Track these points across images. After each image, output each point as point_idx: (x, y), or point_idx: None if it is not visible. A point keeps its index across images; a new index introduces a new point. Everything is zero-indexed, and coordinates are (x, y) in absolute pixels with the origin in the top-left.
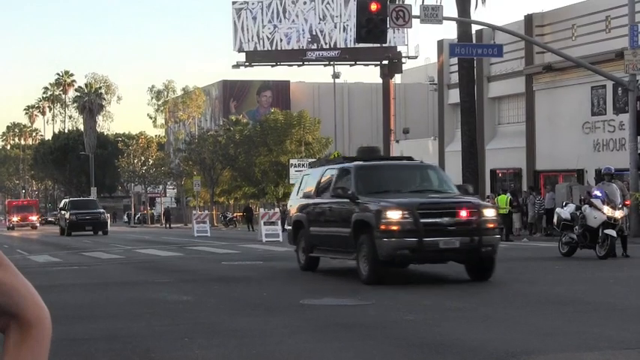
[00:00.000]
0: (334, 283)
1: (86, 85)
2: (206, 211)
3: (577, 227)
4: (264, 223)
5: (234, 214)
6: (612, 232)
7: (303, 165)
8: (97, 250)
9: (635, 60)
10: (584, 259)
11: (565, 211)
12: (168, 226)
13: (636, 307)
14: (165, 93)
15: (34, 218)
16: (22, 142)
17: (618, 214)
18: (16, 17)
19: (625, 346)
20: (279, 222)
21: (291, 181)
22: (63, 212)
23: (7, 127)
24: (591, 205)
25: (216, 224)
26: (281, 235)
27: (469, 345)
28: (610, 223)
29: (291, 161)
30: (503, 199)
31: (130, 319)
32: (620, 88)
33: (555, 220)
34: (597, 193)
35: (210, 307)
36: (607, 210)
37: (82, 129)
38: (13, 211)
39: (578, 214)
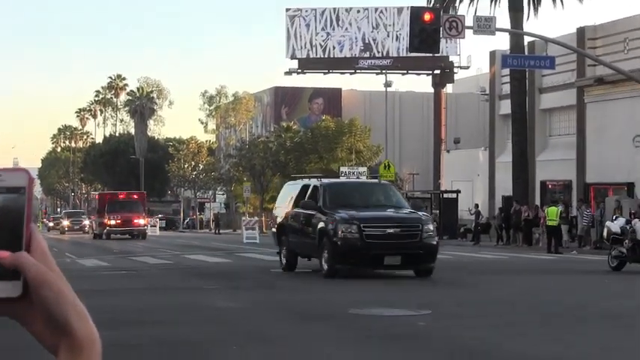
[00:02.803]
0: (381, 292)
1: (138, 89)
2: (255, 218)
3: (627, 241)
4: None
5: None
6: None
7: (353, 173)
8: (145, 254)
9: None
10: (634, 273)
11: (615, 225)
12: (217, 231)
13: None
14: (218, 98)
15: (141, 222)
16: (73, 145)
17: None
18: (70, 20)
19: None
20: None
21: None
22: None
23: (59, 129)
24: None
25: (265, 231)
26: None
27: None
28: None
29: (342, 169)
30: (554, 211)
31: (178, 325)
32: None
33: (605, 233)
34: None
35: (259, 315)
36: None
37: (133, 133)
38: (109, 209)
39: (628, 227)
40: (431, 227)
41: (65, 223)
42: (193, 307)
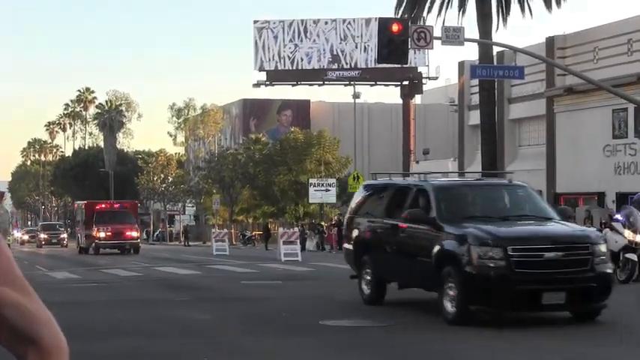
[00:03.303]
0: (353, 304)
1: (107, 102)
2: (225, 230)
3: None
4: (283, 243)
5: (253, 233)
6: (633, 257)
7: (322, 184)
8: (115, 267)
9: None
10: None
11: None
12: (186, 243)
13: None
14: (186, 111)
15: (134, 234)
16: (43, 158)
17: (639, 238)
18: (38, 34)
19: None
20: (298, 241)
21: (311, 201)
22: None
23: (28, 142)
24: (612, 228)
25: (235, 243)
26: (300, 254)
27: None
28: (631, 247)
29: (311, 180)
30: None
31: (150, 338)
32: None
33: None
34: (618, 217)
35: (230, 327)
36: (628, 234)
37: (102, 146)
38: (98, 220)
39: None
40: (603, 249)
41: (42, 236)
42: (165, 319)
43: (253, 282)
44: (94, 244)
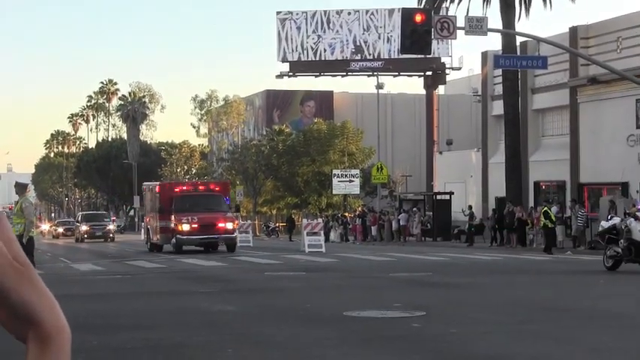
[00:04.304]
0: (377, 294)
1: (130, 93)
2: (249, 221)
3: (622, 241)
4: (307, 234)
5: (277, 224)
6: None
7: (345, 175)
8: (140, 259)
9: None
10: (629, 273)
11: (610, 225)
12: None
13: None
14: (209, 102)
15: (228, 226)
16: (66, 150)
17: None
18: (63, 26)
19: None
20: (322, 232)
21: (334, 192)
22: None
23: (51, 134)
24: (637, 218)
25: (258, 234)
26: (324, 245)
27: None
28: None
29: (334, 171)
30: (550, 212)
31: (174, 329)
32: None
33: (599, 232)
34: None
35: (254, 318)
36: None
37: (126, 137)
38: (178, 207)
39: (623, 227)
40: None
41: (83, 228)
42: (189, 310)
43: (277, 273)
44: (174, 240)
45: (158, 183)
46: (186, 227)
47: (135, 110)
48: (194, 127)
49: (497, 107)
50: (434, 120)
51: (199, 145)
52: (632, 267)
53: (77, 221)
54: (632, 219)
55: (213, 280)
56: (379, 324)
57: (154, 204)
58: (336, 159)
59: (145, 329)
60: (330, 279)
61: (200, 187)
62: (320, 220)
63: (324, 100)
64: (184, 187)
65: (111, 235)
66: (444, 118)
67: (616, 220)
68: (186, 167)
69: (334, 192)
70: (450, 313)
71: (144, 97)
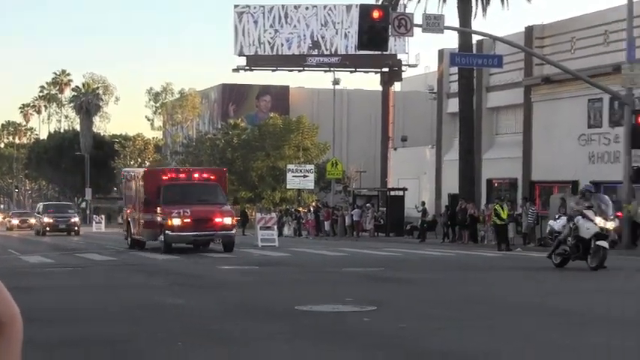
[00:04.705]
0: (329, 288)
1: (83, 84)
2: None
3: (570, 238)
4: (260, 228)
5: None
6: (604, 244)
7: (300, 170)
8: (90, 251)
9: (633, 74)
10: (576, 270)
11: (558, 223)
12: None
13: (628, 319)
14: (164, 95)
15: (226, 221)
16: (17, 141)
17: (610, 224)
18: (14, 15)
19: (619, 358)
20: (276, 227)
21: (288, 186)
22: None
23: (2, 125)
24: (584, 216)
25: None
26: (277, 240)
27: (465, 355)
28: (602, 234)
29: (289, 166)
30: (503, 209)
31: (124, 323)
32: (616, 102)
33: (548, 230)
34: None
35: (206, 312)
36: (599, 220)
37: (78, 129)
38: (167, 198)
39: (571, 225)
40: None
41: (46, 220)
42: (139, 304)
43: (230, 267)
44: (162, 236)
45: (143, 169)
46: (177, 222)
47: (88, 102)
48: (148, 119)
49: (453, 105)
50: (389, 116)
51: (153, 138)
52: (579, 264)
53: (38, 212)
54: (580, 217)
55: (165, 274)
56: (331, 318)
57: (137, 193)
58: (291, 154)
59: (93, 322)
60: (282, 273)
61: (194, 175)
62: (273, 214)
63: (280, 94)
64: (175, 175)
65: (76, 228)
66: (399, 114)
67: (564, 218)
68: (139, 160)
69: (288, 187)
70: (403, 308)
71: (98, 88)
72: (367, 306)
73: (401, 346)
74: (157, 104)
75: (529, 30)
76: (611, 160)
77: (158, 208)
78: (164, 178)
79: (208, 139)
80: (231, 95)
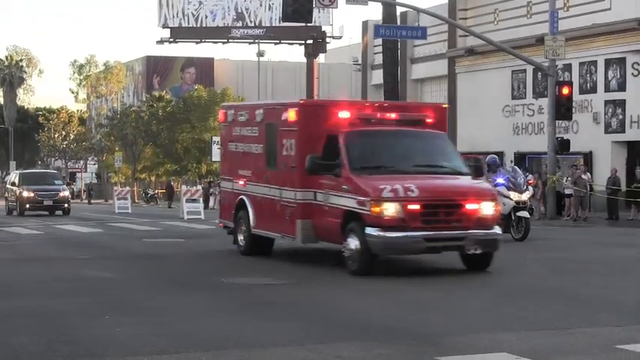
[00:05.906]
0: (253, 262)
1: (7, 57)
2: (127, 188)
3: None
4: (186, 201)
5: (156, 191)
6: (525, 214)
7: None
8: (15, 225)
9: (555, 45)
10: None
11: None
12: (89, 201)
13: (552, 289)
14: (88, 67)
15: (489, 211)
16: None
17: (525, 196)
18: None
19: (540, 327)
20: (201, 199)
21: (214, 159)
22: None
23: None
24: (498, 193)
25: (137, 201)
26: (202, 212)
27: (384, 325)
28: (520, 207)
29: (214, 138)
30: None
31: (50, 296)
32: (539, 73)
33: None
34: (501, 180)
35: (132, 285)
36: (514, 195)
37: (2, 102)
38: (360, 157)
39: None
40: None
41: (25, 194)
42: (65, 277)
43: (156, 240)
44: (353, 239)
45: (288, 101)
46: (391, 210)
47: (12, 74)
48: (73, 92)
49: (377, 76)
50: (314, 88)
51: (78, 110)
52: (504, 237)
53: (12, 184)
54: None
55: (91, 247)
56: (258, 290)
57: (275, 148)
58: (216, 126)
59: (21, 296)
60: (208, 246)
61: (401, 114)
62: (199, 186)
63: (205, 67)
64: (368, 110)
65: (66, 205)
66: (324, 86)
67: None
68: (64, 133)
69: (214, 159)
70: (321, 279)
71: (21, 61)
72: (295, 279)
73: (325, 316)
74: (82, 77)
75: (453, 2)
76: (536, 131)
77: (341, 178)
78: (343, 118)
79: (133, 111)
80: (156, 67)
